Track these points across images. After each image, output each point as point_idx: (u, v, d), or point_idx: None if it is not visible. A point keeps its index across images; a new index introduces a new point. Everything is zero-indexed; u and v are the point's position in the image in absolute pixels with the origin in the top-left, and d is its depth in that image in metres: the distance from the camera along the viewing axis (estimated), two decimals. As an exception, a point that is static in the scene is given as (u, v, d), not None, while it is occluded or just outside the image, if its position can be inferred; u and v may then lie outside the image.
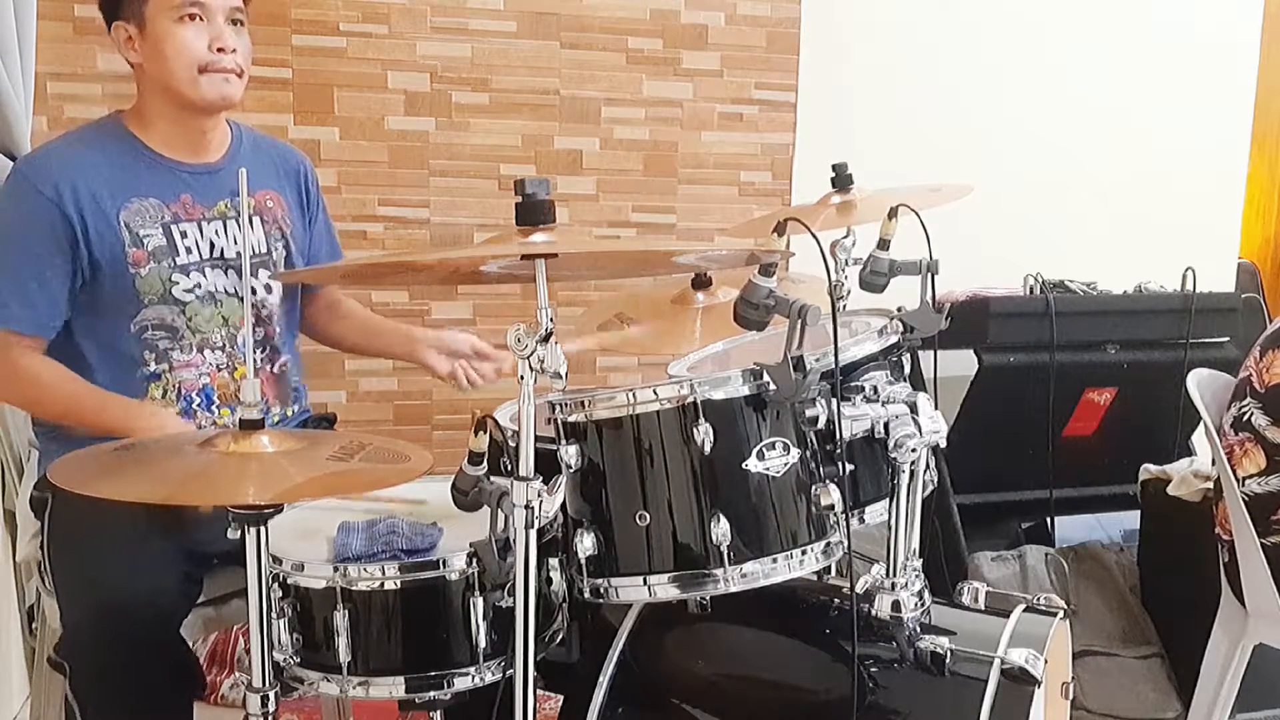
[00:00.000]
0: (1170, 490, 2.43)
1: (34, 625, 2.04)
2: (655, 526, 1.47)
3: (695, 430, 1.44)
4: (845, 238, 1.97)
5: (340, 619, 1.43)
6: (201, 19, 1.80)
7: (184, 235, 1.87)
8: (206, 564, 1.79)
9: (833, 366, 1.47)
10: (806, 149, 3.19)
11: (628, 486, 1.48)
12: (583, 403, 1.49)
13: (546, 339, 1.31)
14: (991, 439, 2.55)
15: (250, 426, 1.37)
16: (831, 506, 1.48)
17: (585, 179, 3.09)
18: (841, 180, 2.12)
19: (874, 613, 1.52)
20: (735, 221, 3.12)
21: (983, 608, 1.59)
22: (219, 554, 1.78)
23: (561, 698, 1.74)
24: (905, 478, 1.51)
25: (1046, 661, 1.46)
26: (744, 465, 1.46)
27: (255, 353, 1.94)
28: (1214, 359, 2.63)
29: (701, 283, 2.19)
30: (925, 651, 1.48)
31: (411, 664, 1.45)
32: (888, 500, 1.54)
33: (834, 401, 1.46)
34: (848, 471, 1.49)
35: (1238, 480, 2.08)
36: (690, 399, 1.45)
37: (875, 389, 1.54)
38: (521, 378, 1.32)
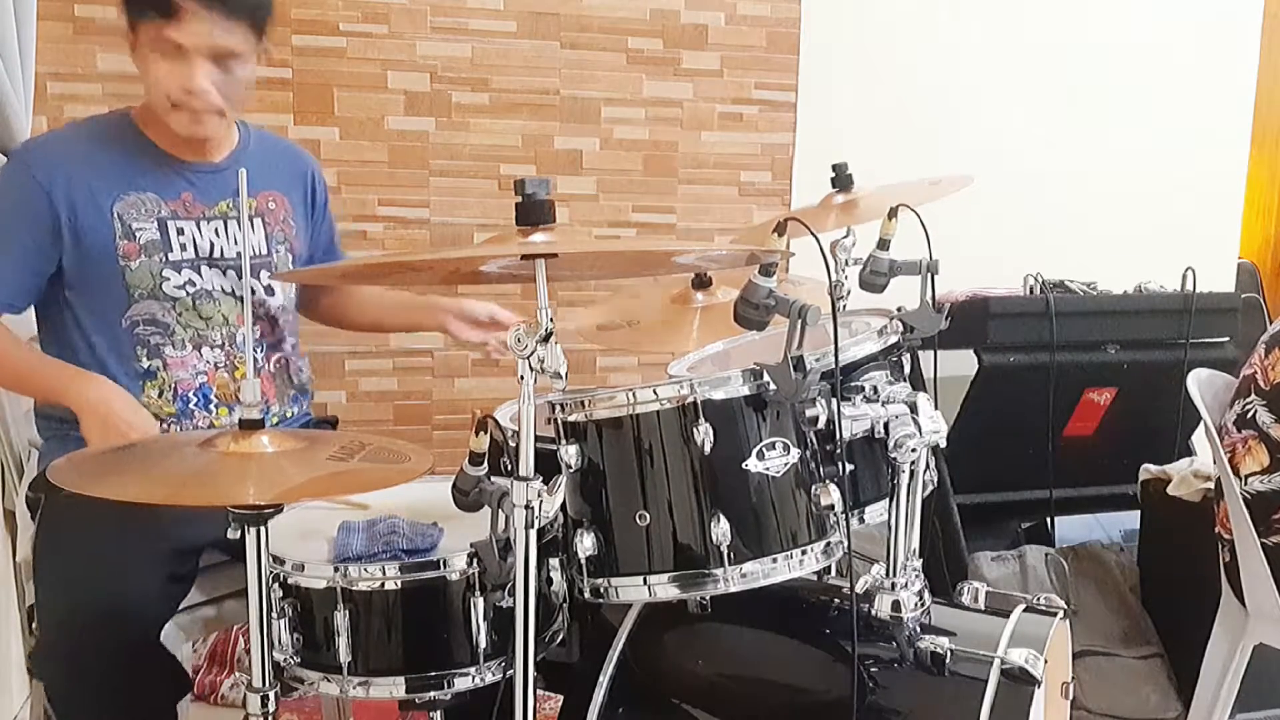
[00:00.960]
0: (1170, 490, 2.43)
1: (34, 625, 2.04)
2: (655, 526, 1.47)
3: (695, 430, 1.44)
4: (845, 238, 1.97)
5: (341, 619, 1.43)
6: (179, 57, 1.76)
7: (180, 232, 1.87)
8: (194, 559, 1.78)
9: (833, 366, 1.47)
10: (806, 149, 3.20)
11: (628, 486, 1.48)
12: (583, 403, 1.49)
13: (546, 339, 1.31)
14: (991, 439, 2.55)
15: (250, 426, 1.37)
16: (831, 506, 1.48)
17: (585, 179, 3.09)
18: (842, 180, 2.12)
19: (874, 613, 1.52)
20: (735, 221, 3.13)
21: (983, 608, 1.59)
22: (209, 544, 1.77)
23: (561, 698, 1.74)
24: (905, 478, 1.51)
25: (1046, 661, 1.46)
26: (744, 465, 1.46)
27: (254, 353, 1.94)
28: (1214, 359, 2.63)
29: (701, 283, 2.19)
30: (925, 651, 1.48)
31: (412, 664, 1.45)
32: (888, 500, 1.54)
33: (834, 401, 1.46)
34: (848, 471, 1.49)
35: (1239, 478, 2.08)
36: (690, 399, 1.45)
37: (875, 389, 1.54)
38: (521, 378, 1.32)
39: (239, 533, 1.34)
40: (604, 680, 1.60)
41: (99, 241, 1.81)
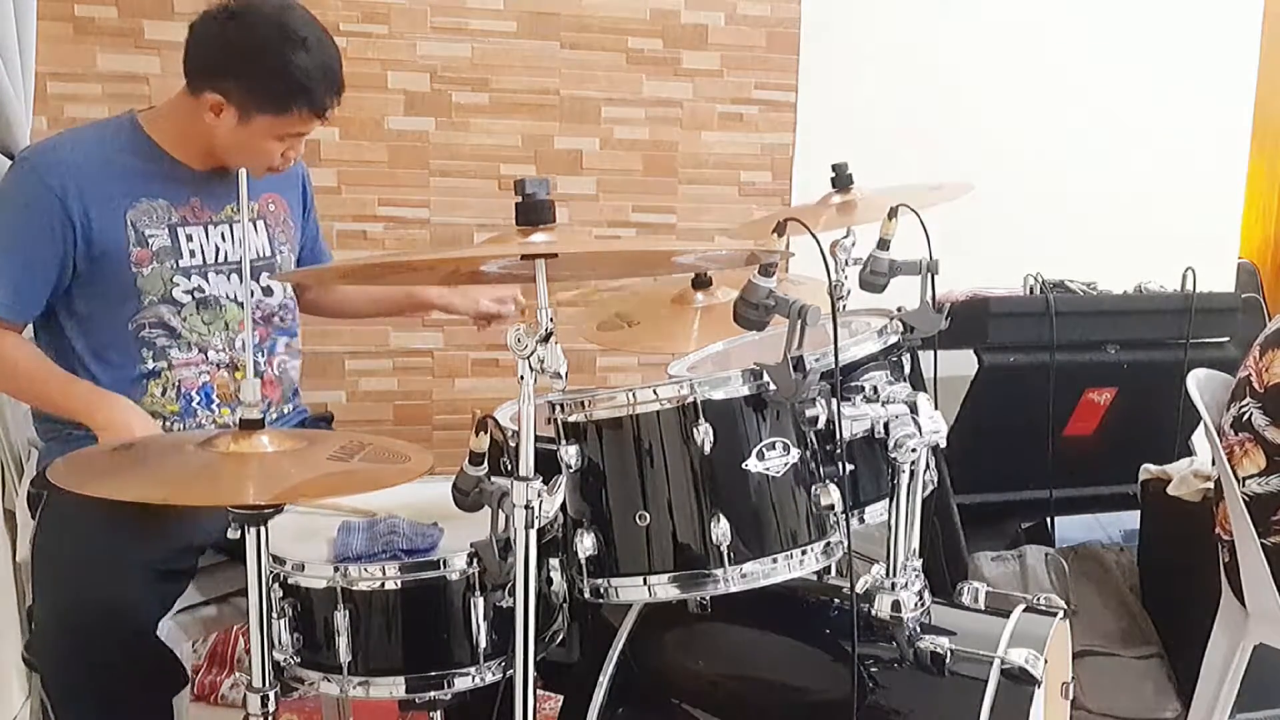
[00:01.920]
0: (1170, 490, 2.43)
1: (34, 625, 2.04)
2: (655, 526, 1.47)
3: (695, 430, 1.44)
4: (845, 238, 1.97)
5: (341, 619, 1.43)
6: (294, 138, 1.86)
7: (189, 238, 1.88)
8: (193, 556, 1.78)
9: (833, 366, 1.47)
10: (806, 149, 3.19)
11: (628, 486, 1.48)
12: (583, 403, 1.49)
13: (546, 339, 1.31)
14: (991, 439, 2.54)
15: (250, 426, 1.37)
16: (831, 506, 1.48)
17: (585, 179, 3.09)
18: (841, 180, 2.12)
19: (874, 613, 1.52)
20: (735, 221, 3.12)
21: (983, 608, 1.59)
22: (210, 544, 1.78)
23: (561, 698, 1.74)
24: (905, 478, 1.51)
25: (1046, 661, 1.46)
26: (744, 465, 1.46)
27: (255, 354, 1.95)
28: (1214, 359, 2.62)
29: (701, 283, 2.19)
30: (925, 651, 1.48)
31: (412, 664, 1.45)
32: (888, 500, 1.54)
33: (834, 401, 1.46)
34: (848, 471, 1.49)
35: (1238, 480, 2.08)
36: (690, 399, 1.46)
37: (875, 389, 1.54)
38: (521, 378, 1.32)
39: (239, 533, 1.34)
40: (604, 680, 1.60)
41: (113, 248, 1.81)
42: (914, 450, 1.49)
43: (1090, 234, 3.37)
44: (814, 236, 1.50)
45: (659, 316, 2.22)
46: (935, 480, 1.69)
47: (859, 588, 1.53)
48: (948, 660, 1.47)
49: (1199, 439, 2.77)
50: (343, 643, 1.43)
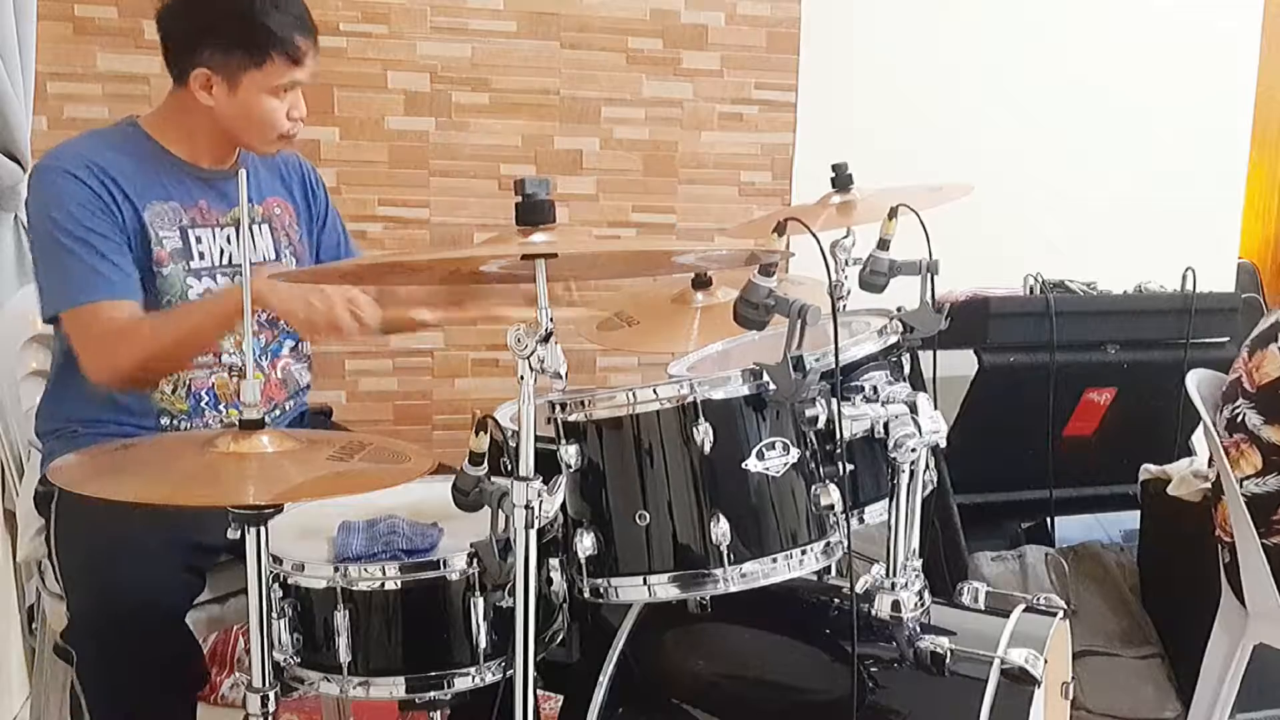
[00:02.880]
0: (1170, 490, 2.43)
1: (34, 625, 2.04)
2: (655, 526, 1.47)
3: (695, 430, 1.44)
4: (845, 238, 1.98)
5: (341, 619, 1.43)
6: (289, 90, 1.85)
7: (199, 240, 1.89)
8: (211, 558, 1.79)
9: (833, 366, 1.47)
10: (806, 149, 3.19)
11: (628, 486, 1.48)
12: (583, 403, 1.49)
13: (546, 339, 1.31)
14: (991, 439, 2.55)
15: (250, 426, 1.37)
16: (831, 506, 1.48)
17: (585, 179, 3.09)
18: (841, 180, 2.13)
19: (874, 613, 1.52)
20: (735, 221, 3.12)
21: (983, 608, 1.59)
22: (224, 548, 1.78)
23: (561, 698, 1.74)
24: (905, 478, 1.51)
25: (1046, 661, 1.46)
26: (744, 465, 1.46)
27: (259, 357, 1.95)
28: (1214, 359, 2.62)
29: (701, 283, 2.19)
30: (925, 651, 1.48)
31: (412, 664, 1.45)
32: (888, 500, 1.54)
33: (834, 401, 1.46)
34: (848, 471, 1.49)
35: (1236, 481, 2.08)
36: (690, 399, 1.46)
37: (875, 389, 1.54)
38: (521, 378, 1.32)
39: (239, 533, 1.34)
40: (604, 680, 1.60)
41: (137, 246, 1.82)
42: (914, 450, 1.49)
43: (1090, 234, 3.37)
44: (814, 236, 1.50)
45: (659, 316, 2.23)
46: (935, 480, 1.69)
47: (859, 588, 1.53)
48: (948, 660, 1.47)
49: (1199, 439, 2.77)
50: (343, 643, 1.43)
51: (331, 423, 2.17)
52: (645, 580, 1.48)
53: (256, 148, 1.90)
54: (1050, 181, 3.39)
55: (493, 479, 1.37)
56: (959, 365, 2.52)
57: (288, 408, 2.04)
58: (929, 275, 1.68)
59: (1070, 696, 1.68)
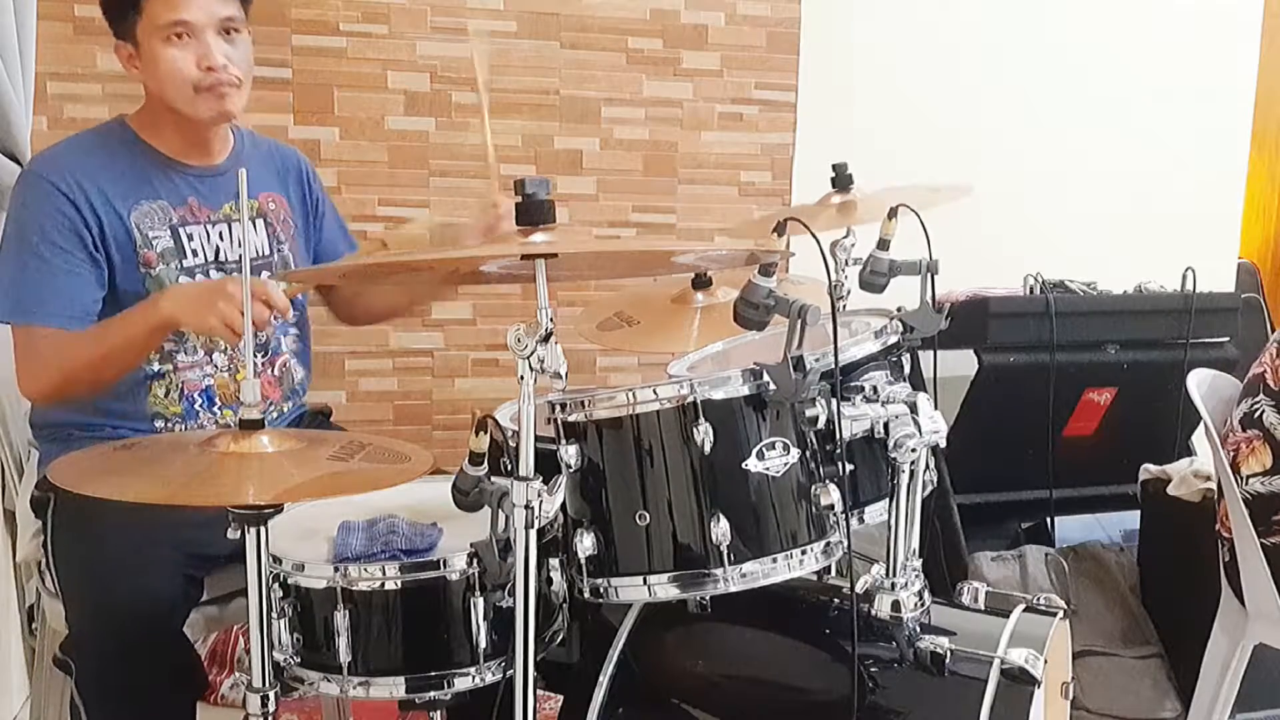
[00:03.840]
0: (1170, 490, 2.43)
1: (34, 625, 2.04)
2: (655, 526, 1.47)
3: (695, 430, 1.44)
4: (845, 238, 1.97)
5: (340, 619, 1.43)
6: (189, 36, 1.78)
7: (190, 238, 1.88)
8: (209, 565, 1.78)
9: (833, 366, 1.47)
10: (806, 149, 3.19)
11: (628, 486, 1.48)
12: (583, 403, 1.49)
13: (546, 339, 1.31)
14: (991, 439, 2.55)
15: (250, 426, 1.37)
16: (831, 506, 1.48)
17: (585, 179, 3.09)
18: (841, 180, 2.13)
19: (874, 613, 1.52)
20: (735, 221, 3.12)
21: (983, 608, 1.59)
22: (222, 555, 1.78)
23: (561, 698, 1.74)
24: (905, 478, 1.51)
25: (1046, 661, 1.46)
26: (744, 465, 1.46)
27: (255, 355, 1.94)
28: (1214, 359, 2.63)
29: (701, 283, 2.19)
30: (925, 651, 1.48)
31: (412, 664, 1.45)
32: (888, 500, 1.54)
33: (834, 401, 1.46)
34: (848, 471, 1.49)
35: (1241, 479, 2.07)
36: (690, 399, 1.45)
37: (875, 389, 1.54)
38: (521, 378, 1.32)
39: (239, 533, 1.34)
40: (604, 680, 1.60)
41: (123, 251, 1.82)
42: (914, 450, 1.49)
43: (1090, 234, 3.37)
44: (814, 236, 1.50)
45: (659, 316, 2.23)
46: (935, 480, 1.69)
47: (859, 588, 1.53)
48: (948, 660, 1.47)
49: (1199, 439, 2.77)
50: (343, 643, 1.43)
51: (330, 424, 2.16)
52: (645, 580, 1.48)
53: (188, 111, 1.82)
54: (1050, 181, 3.39)
55: (493, 479, 1.37)
56: (959, 365, 2.52)
57: (285, 409, 2.03)
58: (929, 275, 1.68)
59: (1070, 696, 1.68)
